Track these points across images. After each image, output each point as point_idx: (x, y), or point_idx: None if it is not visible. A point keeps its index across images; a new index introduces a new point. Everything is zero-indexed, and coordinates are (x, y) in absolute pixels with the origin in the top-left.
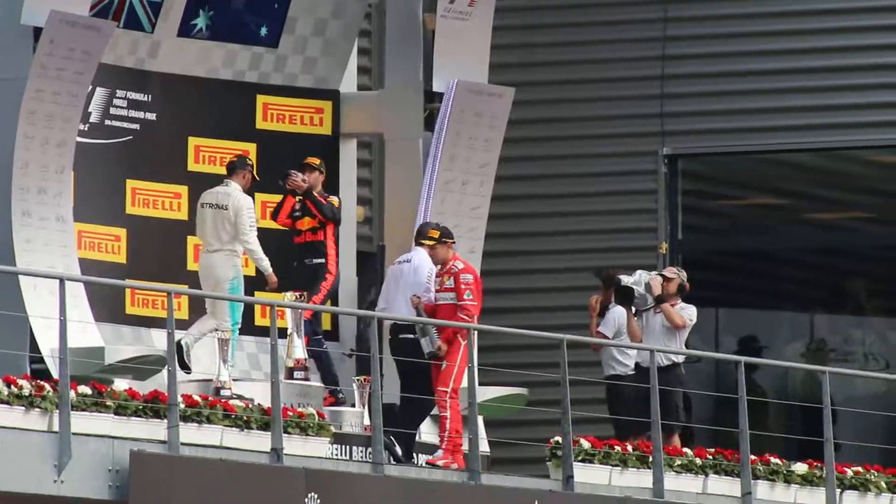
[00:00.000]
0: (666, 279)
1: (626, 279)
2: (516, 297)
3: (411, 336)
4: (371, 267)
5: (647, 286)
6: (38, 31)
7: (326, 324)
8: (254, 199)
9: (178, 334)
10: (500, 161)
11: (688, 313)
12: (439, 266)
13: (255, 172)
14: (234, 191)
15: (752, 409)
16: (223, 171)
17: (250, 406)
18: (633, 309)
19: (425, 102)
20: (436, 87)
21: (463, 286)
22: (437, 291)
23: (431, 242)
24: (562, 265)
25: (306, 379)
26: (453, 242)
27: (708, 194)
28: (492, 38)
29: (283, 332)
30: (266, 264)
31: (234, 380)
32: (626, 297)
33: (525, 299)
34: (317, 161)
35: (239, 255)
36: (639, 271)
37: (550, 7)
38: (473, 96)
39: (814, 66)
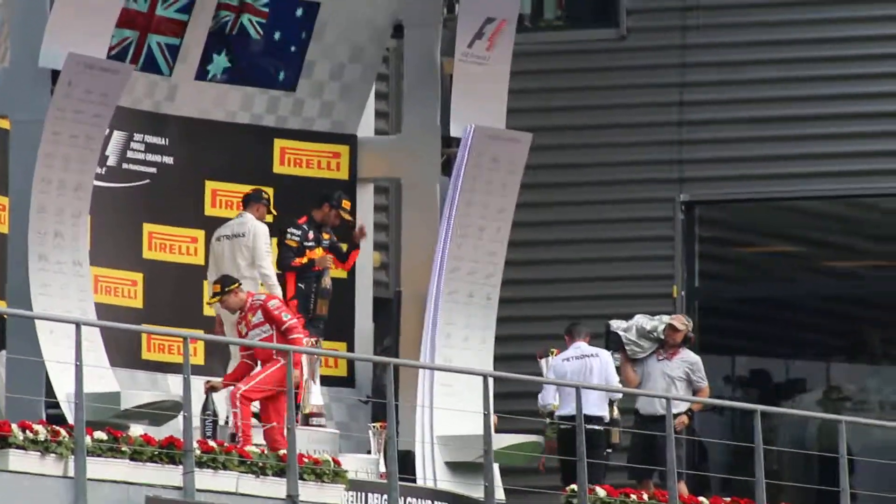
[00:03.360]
0: (674, 329)
1: (615, 323)
2: (533, 343)
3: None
4: (386, 313)
5: (645, 332)
6: (55, 74)
7: (343, 370)
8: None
9: (194, 379)
10: (518, 206)
11: (687, 359)
12: (237, 312)
13: (271, 207)
14: (249, 219)
15: (768, 458)
16: None
17: (266, 452)
18: (629, 355)
19: (442, 147)
20: (453, 133)
21: (276, 312)
22: (244, 335)
23: (216, 299)
24: (578, 311)
25: (322, 426)
26: (239, 285)
27: (725, 241)
28: (510, 83)
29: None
30: (278, 291)
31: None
32: (613, 342)
33: (542, 346)
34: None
35: (258, 283)
36: (637, 316)
37: (568, 52)
38: (491, 141)
39: (831, 112)
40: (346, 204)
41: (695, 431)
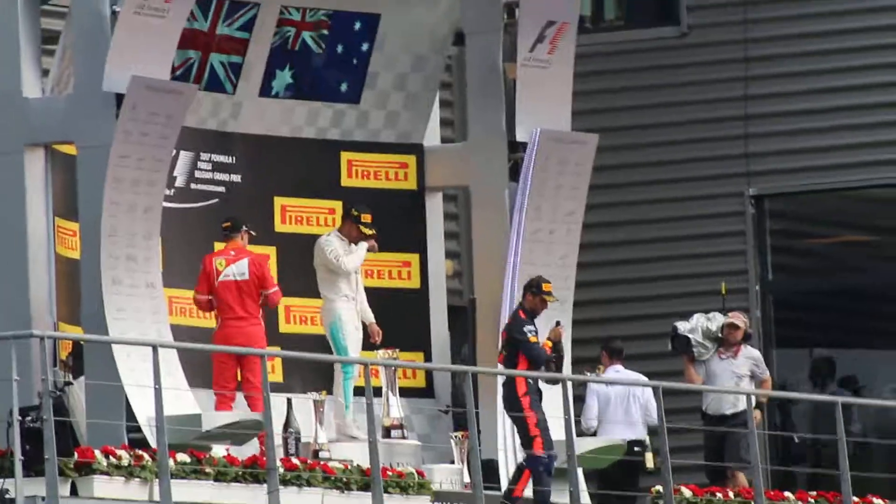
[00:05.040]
0: (735, 327)
1: (682, 326)
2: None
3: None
4: (462, 321)
5: (711, 333)
6: (120, 98)
7: (421, 380)
8: None
9: (273, 397)
10: (587, 208)
11: (750, 355)
12: None
13: (361, 228)
14: (320, 239)
15: (853, 450)
16: (310, 230)
17: (349, 467)
18: (696, 356)
19: (509, 152)
20: (519, 137)
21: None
22: None
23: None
24: (652, 311)
25: (403, 437)
26: (243, 233)
27: (797, 233)
28: (573, 85)
29: (378, 391)
30: (353, 263)
31: (330, 441)
32: (682, 346)
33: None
34: None
35: (334, 301)
36: (696, 316)
37: (630, 52)
38: (557, 144)
39: None
40: (546, 287)
41: (776, 426)
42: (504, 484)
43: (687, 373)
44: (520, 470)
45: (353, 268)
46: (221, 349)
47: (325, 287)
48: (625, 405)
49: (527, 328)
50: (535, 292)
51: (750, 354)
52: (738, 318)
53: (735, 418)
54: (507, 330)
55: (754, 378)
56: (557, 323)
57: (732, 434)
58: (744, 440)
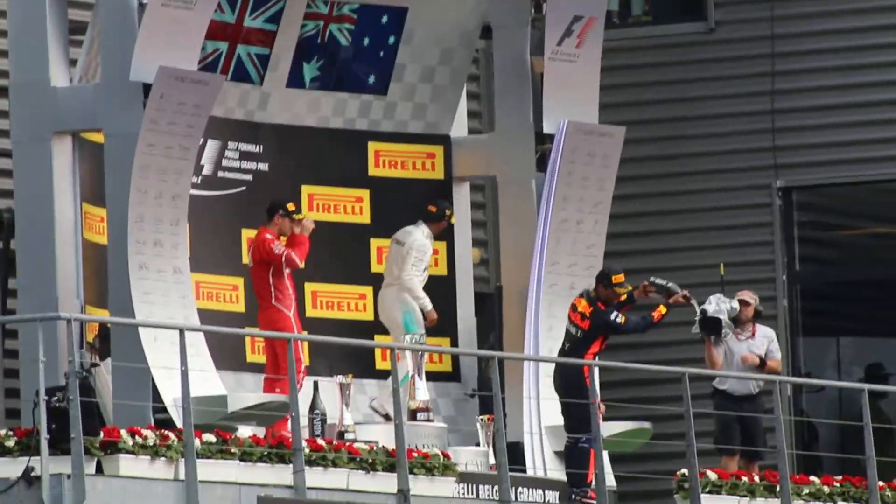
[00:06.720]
0: (746, 304)
1: (710, 308)
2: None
3: None
4: (488, 308)
5: (732, 311)
6: (147, 88)
7: (447, 365)
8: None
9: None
10: (614, 199)
11: (765, 334)
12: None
13: (451, 220)
14: (415, 230)
15: (879, 437)
16: (338, 218)
17: (375, 448)
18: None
19: (536, 143)
20: (546, 129)
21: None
22: None
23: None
24: None
25: (429, 420)
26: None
27: (824, 225)
28: (601, 78)
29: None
30: (425, 302)
31: (356, 423)
32: (713, 328)
33: (644, 334)
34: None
35: (414, 290)
36: (712, 298)
37: (658, 46)
38: (584, 136)
39: None
40: (616, 279)
41: (803, 412)
42: (530, 466)
43: (709, 354)
44: (582, 453)
45: (406, 287)
46: (245, 332)
47: (409, 274)
48: None
49: (612, 315)
50: (606, 284)
51: (766, 333)
52: (748, 295)
53: (754, 400)
54: (591, 320)
55: (767, 356)
56: (687, 299)
57: (758, 418)
58: (760, 425)
